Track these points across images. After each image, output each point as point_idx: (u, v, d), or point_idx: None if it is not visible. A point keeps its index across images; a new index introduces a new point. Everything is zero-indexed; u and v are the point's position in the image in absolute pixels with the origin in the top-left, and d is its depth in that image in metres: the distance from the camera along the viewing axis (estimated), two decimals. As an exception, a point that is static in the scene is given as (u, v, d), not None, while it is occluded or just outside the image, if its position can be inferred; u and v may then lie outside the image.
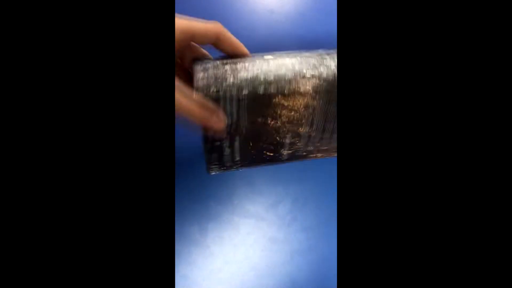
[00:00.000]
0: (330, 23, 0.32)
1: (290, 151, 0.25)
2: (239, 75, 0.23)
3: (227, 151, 0.24)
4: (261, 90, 0.23)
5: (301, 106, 0.24)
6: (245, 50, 0.24)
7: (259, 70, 0.23)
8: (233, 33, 0.32)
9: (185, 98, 0.20)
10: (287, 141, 0.25)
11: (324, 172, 0.32)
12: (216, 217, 0.30)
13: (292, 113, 0.24)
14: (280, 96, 0.23)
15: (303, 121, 0.24)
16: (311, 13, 0.32)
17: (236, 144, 0.24)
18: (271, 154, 0.25)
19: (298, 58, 0.23)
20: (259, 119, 0.24)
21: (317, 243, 0.31)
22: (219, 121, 0.22)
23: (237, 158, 0.25)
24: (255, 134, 0.24)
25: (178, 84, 0.20)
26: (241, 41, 0.32)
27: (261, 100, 0.23)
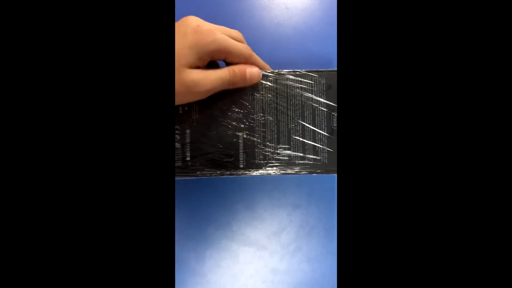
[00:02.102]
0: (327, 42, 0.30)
1: (246, 157, 0.24)
2: None
3: (177, 145, 0.24)
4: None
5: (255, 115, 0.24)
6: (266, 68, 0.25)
7: None
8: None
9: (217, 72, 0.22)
10: (241, 141, 0.24)
11: (332, 198, 0.29)
12: (214, 244, 0.28)
13: (245, 120, 0.24)
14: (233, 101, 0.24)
15: (256, 128, 0.24)
16: (319, 26, 0.30)
17: (187, 138, 0.24)
18: (226, 159, 0.24)
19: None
20: (212, 112, 0.24)
21: (323, 276, 0.28)
22: (253, 73, 0.23)
23: (188, 158, 0.23)
24: (207, 127, 0.24)
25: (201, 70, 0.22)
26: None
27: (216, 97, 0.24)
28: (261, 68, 0.24)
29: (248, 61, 0.24)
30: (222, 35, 0.22)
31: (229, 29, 0.24)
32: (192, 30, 0.21)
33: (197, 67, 0.22)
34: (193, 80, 0.21)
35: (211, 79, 0.22)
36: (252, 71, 0.23)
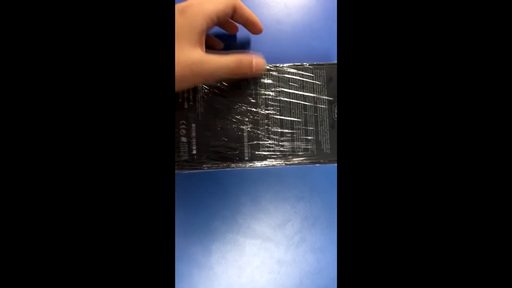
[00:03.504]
0: (327, 42, 0.31)
1: (250, 149, 0.25)
2: None
3: (183, 139, 0.24)
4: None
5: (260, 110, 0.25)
6: (257, 21, 0.25)
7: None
8: (240, 44, 0.31)
9: (220, 58, 0.22)
10: (245, 134, 0.24)
11: (334, 189, 0.30)
12: (220, 237, 0.29)
13: (249, 114, 0.25)
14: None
15: (260, 121, 0.25)
16: (317, 22, 0.31)
17: (193, 132, 0.24)
18: (232, 152, 0.24)
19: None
20: (217, 106, 0.24)
21: (327, 266, 0.29)
22: (258, 63, 0.24)
23: (194, 151, 0.24)
24: (212, 121, 0.24)
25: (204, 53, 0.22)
26: (249, 50, 0.31)
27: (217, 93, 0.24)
28: (251, 18, 0.24)
29: (237, 11, 0.24)
30: (208, 6, 0.22)
31: None
32: (178, 12, 0.21)
33: (197, 47, 0.21)
34: (196, 60, 0.21)
35: (214, 63, 0.21)
36: (258, 61, 0.23)
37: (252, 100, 0.24)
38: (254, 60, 0.23)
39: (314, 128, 0.25)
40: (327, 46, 0.31)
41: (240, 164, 0.24)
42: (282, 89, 0.25)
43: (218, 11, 0.22)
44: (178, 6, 0.22)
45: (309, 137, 0.24)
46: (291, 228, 0.29)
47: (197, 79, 0.22)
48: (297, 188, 0.30)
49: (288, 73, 0.25)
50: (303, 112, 0.25)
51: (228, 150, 0.24)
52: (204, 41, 0.22)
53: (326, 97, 0.25)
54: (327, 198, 0.29)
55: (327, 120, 0.25)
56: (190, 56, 0.21)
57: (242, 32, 0.31)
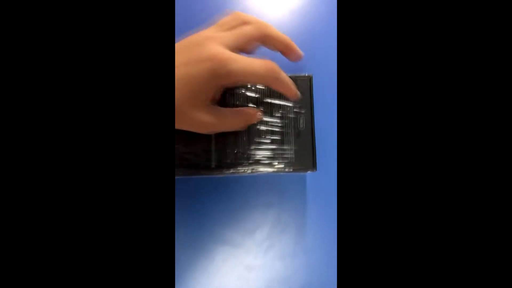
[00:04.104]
0: (327, 45, 0.32)
1: (218, 157, 0.25)
2: None
3: None
4: None
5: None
6: (295, 49, 0.25)
7: None
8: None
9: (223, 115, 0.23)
10: (213, 142, 0.25)
11: (305, 198, 0.31)
12: (189, 243, 0.29)
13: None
14: None
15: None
16: (295, 38, 0.32)
17: None
18: (199, 160, 0.25)
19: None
20: None
21: (295, 272, 0.30)
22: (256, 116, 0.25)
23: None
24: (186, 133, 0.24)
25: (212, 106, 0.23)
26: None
27: None
28: (281, 43, 0.24)
29: (266, 43, 0.23)
30: (237, 65, 0.20)
31: (244, 31, 0.22)
32: (207, 58, 0.20)
33: (208, 99, 0.22)
34: (203, 122, 0.22)
35: (220, 125, 0.23)
36: (258, 118, 0.25)
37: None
38: (256, 118, 0.25)
39: (280, 138, 0.26)
40: (302, 60, 0.32)
41: (208, 172, 0.25)
42: (251, 98, 0.26)
43: (239, 44, 0.22)
44: (193, 36, 0.21)
45: (276, 146, 0.25)
46: (260, 234, 0.30)
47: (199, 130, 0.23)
48: (267, 195, 0.30)
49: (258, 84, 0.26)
50: (271, 121, 0.26)
51: (196, 157, 0.25)
52: (222, 89, 0.23)
53: (293, 108, 0.26)
54: (295, 204, 0.30)
55: (293, 130, 0.26)
56: (198, 118, 0.21)
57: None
